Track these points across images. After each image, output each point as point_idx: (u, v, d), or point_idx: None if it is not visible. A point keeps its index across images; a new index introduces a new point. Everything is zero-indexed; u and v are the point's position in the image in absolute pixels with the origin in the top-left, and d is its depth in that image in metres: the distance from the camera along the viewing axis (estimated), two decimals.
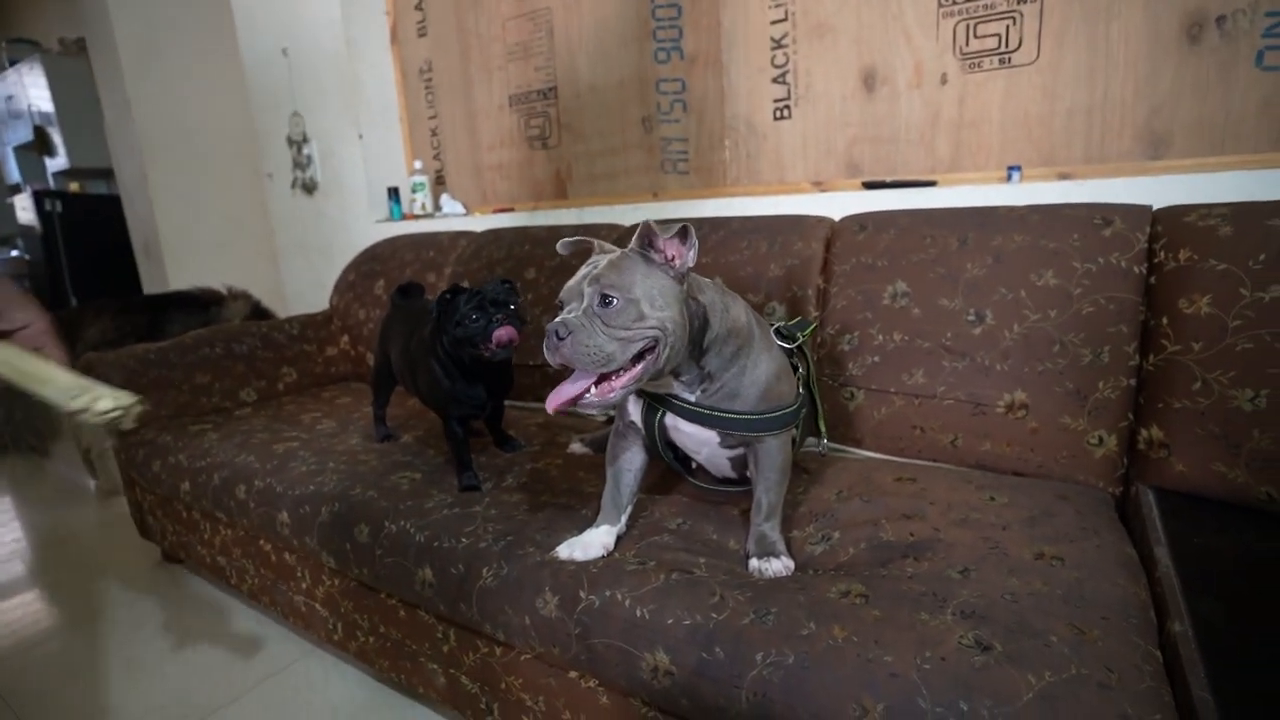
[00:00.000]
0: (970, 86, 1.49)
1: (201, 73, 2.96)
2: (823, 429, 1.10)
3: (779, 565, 0.89)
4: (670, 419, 0.96)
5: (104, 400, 0.62)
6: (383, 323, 1.47)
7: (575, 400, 0.82)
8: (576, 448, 1.36)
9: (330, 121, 2.52)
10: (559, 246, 0.93)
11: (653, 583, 0.86)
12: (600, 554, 0.95)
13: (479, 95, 2.30)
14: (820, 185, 1.69)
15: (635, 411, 0.99)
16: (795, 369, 1.00)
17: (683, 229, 0.81)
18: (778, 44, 1.69)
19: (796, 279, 1.35)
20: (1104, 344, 1.07)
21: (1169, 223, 1.07)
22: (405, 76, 2.46)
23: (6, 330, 0.65)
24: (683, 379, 0.91)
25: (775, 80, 1.71)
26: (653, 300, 0.81)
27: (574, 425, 1.53)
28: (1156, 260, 1.06)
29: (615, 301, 0.80)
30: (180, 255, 3.25)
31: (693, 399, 0.92)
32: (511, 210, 2.24)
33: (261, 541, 1.38)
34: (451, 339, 1.17)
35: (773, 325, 1.02)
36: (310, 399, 1.97)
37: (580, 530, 1.00)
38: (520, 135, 2.23)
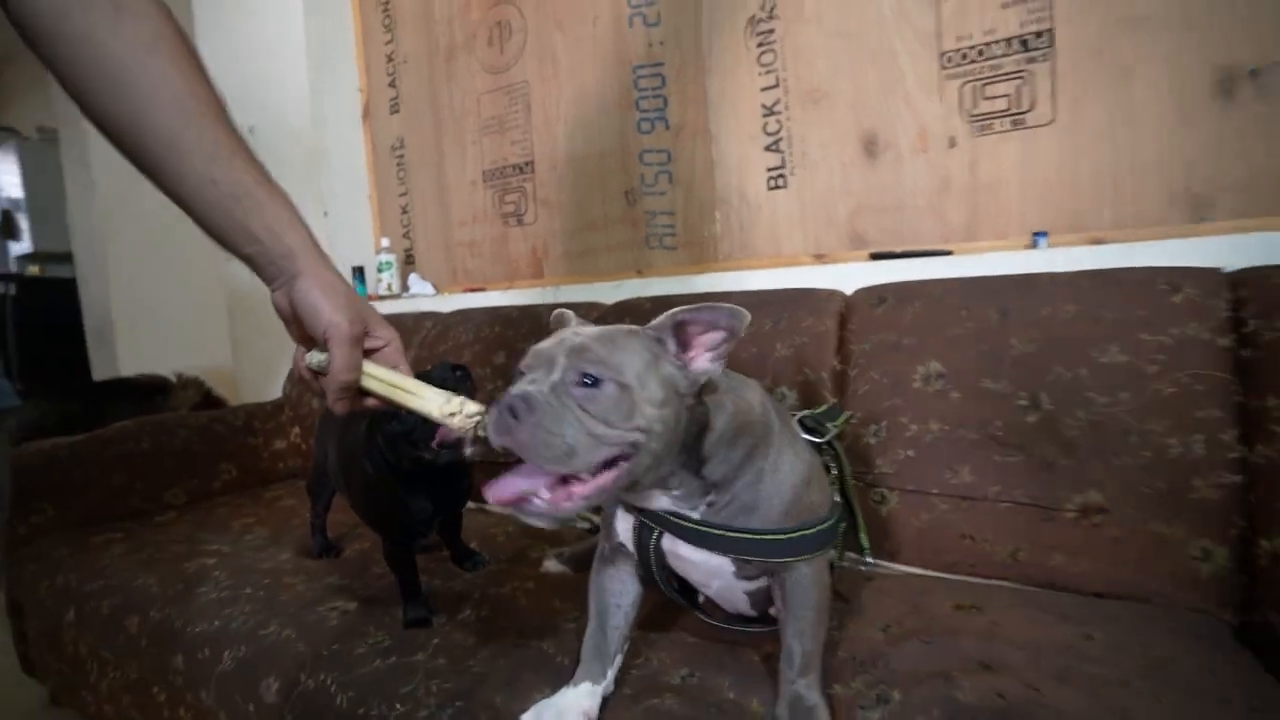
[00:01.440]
0: (983, 149, 1.37)
1: None
2: (864, 542, 0.88)
3: None
4: (669, 541, 0.74)
5: (470, 405, 0.64)
6: (323, 412, 1.24)
7: (519, 501, 0.61)
8: (551, 566, 1.11)
9: (295, 198, 2.36)
10: (554, 317, 0.74)
11: None
12: None
13: (451, 171, 2.18)
14: (821, 258, 1.55)
15: (624, 530, 0.77)
16: (827, 469, 0.79)
17: (730, 315, 0.62)
18: (769, 110, 1.59)
19: (808, 360, 1.17)
20: (1194, 432, 0.89)
21: (1256, 285, 0.91)
22: (376, 153, 2.35)
23: (374, 348, 0.67)
24: (674, 493, 0.70)
25: (768, 148, 1.60)
26: (650, 395, 0.62)
27: (549, 536, 1.29)
28: (1247, 330, 0.89)
29: (602, 385, 0.60)
30: (133, 340, 3.03)
31: (696, 515, 0.71)
32: (483, 290, 2.07)
33: (155, 690, 1.09)
34: (386, 438, 0.95)
35: (795, 414, 0.82)
36: (249, 500, 1.71)
37: (554, 689, 0.75)
38: (494, 211, 2.09)
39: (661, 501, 0.71)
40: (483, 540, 1.26)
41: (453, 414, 0.63)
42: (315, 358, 0.64)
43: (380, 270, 2.16)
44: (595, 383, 0.60)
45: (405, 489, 0.98)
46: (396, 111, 2.28)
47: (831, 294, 1.26)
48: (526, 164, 2.01)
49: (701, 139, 1.70)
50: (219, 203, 0.61)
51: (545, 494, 0.61)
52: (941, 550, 1.02)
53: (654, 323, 0.65)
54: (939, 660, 0.76)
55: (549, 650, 0.85)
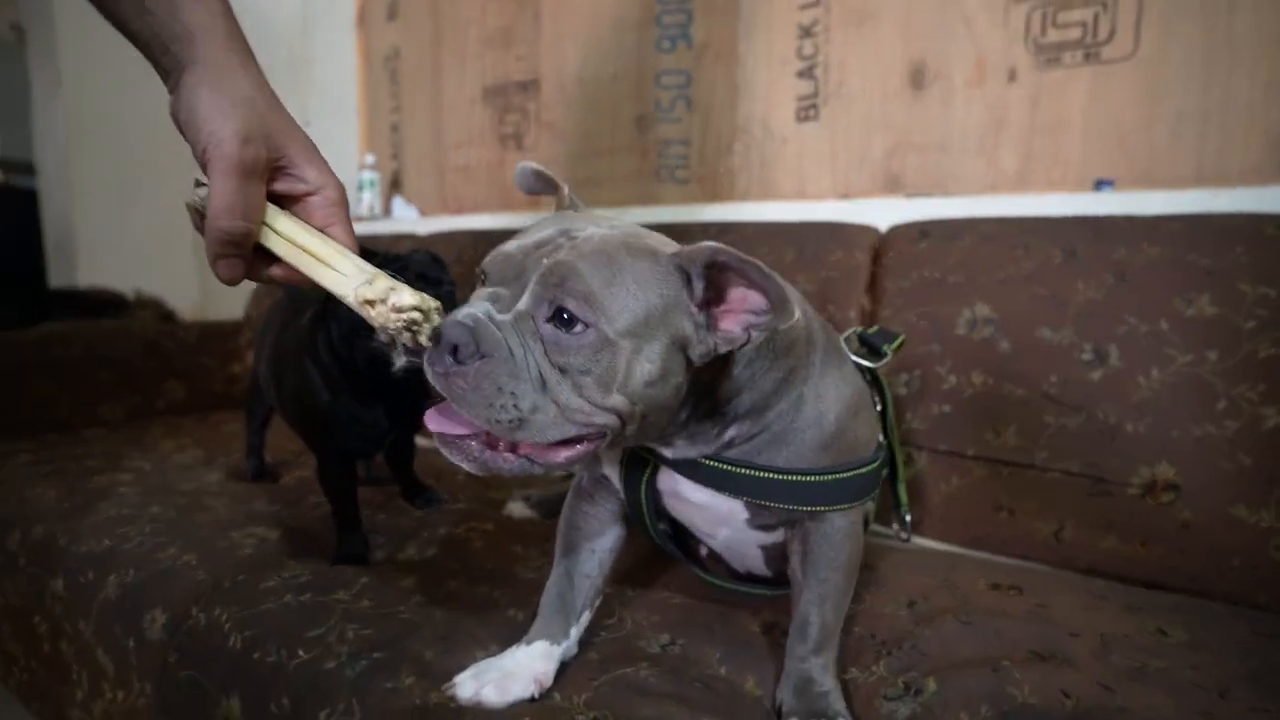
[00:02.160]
0: (1046, 85, 1.20)
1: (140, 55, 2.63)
2: (903, 498, 0.72)
3: None
4: (667, 479, 0.58)
5: (404, 294, 0.44)
6: (265, 314, 1.06)
7: (455, 442, 0.46)
8: (516, 509, 0.96)
9: None
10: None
11: None
12: (528, 695, 0.55)
13: (450, 88, 1.99)
14: (848, 197, 1.38)
15: (611, 459, 0.61)
16: (873, 403, 0.64)
17: (778, 288, 0.43)
18: (806, 31, 1.41)
19: (833, 296, 1.01)
20: None
21: None
22: (369, 64, 2.16)
23: (293, 194, 0.48)
24: (676, 444, 0.54)
25: (800, 74, 1.43)
26: (645, 361, 0.45)
27: (517, 480, 1.13)
28: None
29: (580, 331, 0.44)
30: (95, 256, 2.83)
31: (710, 449, 0.55)
32: (472, 214, 1.90)
33: (35, 619, 0.93)
34: (347, 327, 0.77)
35: (844, 333, 0.66)
36: (193, 423, 1.54)
37: (503, 647, 0.59)
38: (492, 133, 1.91)
39: (653, 445, 0.55)
40: (441, 478, 1.10)
41: (370, 301, 0.44)
42: (197, 190, 0.46)
43: (361, 189, 1.98)
44: (571, 323, 0.44)
45: (355, 394, 0.81)
46: (394, 18, 2.08)
47: (864, 228, 1.10)
48: (531, 82, 1.82)
49: (726, 61, 1.52)
50: None
51: (477, 447, 0.46)
52: (972, 522, 0.87)
53: (683, 250, 0.47)
54: (981, 645, 0.61)
55: (500, 601, 0.70)
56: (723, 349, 0.47)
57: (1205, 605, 0.73)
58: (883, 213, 1.28)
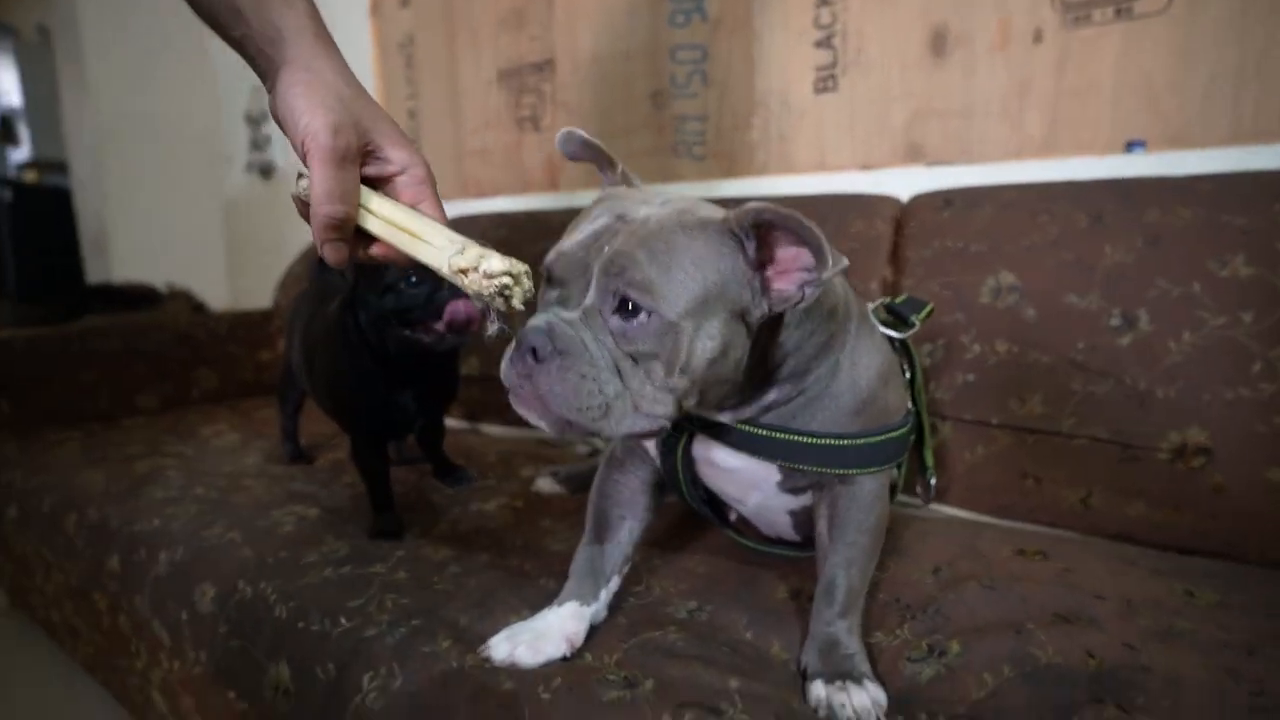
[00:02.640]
0: (1075, 46, 1.17)
1: (167, 51, 2.68)
2: (929, 462, 0.73)
3: (862, 698, 0.51)
4: (701, 446, 0.59)
5: (493, 260, 0.45)
6: (294, 304, 1.10)
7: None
8: (545, 485, 0.98)
9: None
10: (562, 137, 0.58)
11: None
12: (560, 654, 0.57)
13: (465, 72, 1.99)
14: (869, 168, 1.36)
15: None
16: (902, 371, 0.64)
17: (819, 239, 0.44)
18: (823, 1, 1.38)
19: (856, 267, 1.00)
20: None
21: None
22: (383, 51, 2.17)
23: (383, 175, 0.50)
24: (722, 413, 0.56)
25: (818, 44, 1.40)
26: (705, 339, 0.47)
27: (545, 454, 1.15)
28: None
29: (645, 317, 0.46)
30: (129, 251, 2.91)
31: (748, 414, 0.56)
32: (491, 197, 1.91)
33: (95, 595, 0.98)
34: (375, 314, 0.79)
35: (873, 303, 0.66)
36: (226, 410, 1.59)
37: (534, 611, 0.62)
38: (509, 116, 1.91)
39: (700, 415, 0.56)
40: (472, 458, 1.13)
41: (463, 270, 0.46)
42: (299, 182, 0.48)
43: None
44: (635, 312, 0.46)
45: (386, 380, 0.83)
46: (407, 4, 2.09)
47: (885, 198, 1.09)
48: (546, 62, 1.82)
49: (742, 34, 1.50)
50: None
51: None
52: (997, 491, 0.87)
53: (730, 213, 0.48)
54: (1005, 609, 0.61)
55: (531, 571, 0.72)
56: (778, 309, 0.49)
57: (1236, 568, 0.72)
58: (904, 182, 1.26)
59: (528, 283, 0.46)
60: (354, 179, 0.47)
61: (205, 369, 1.71)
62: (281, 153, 2.33)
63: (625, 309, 0.45)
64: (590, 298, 0.46)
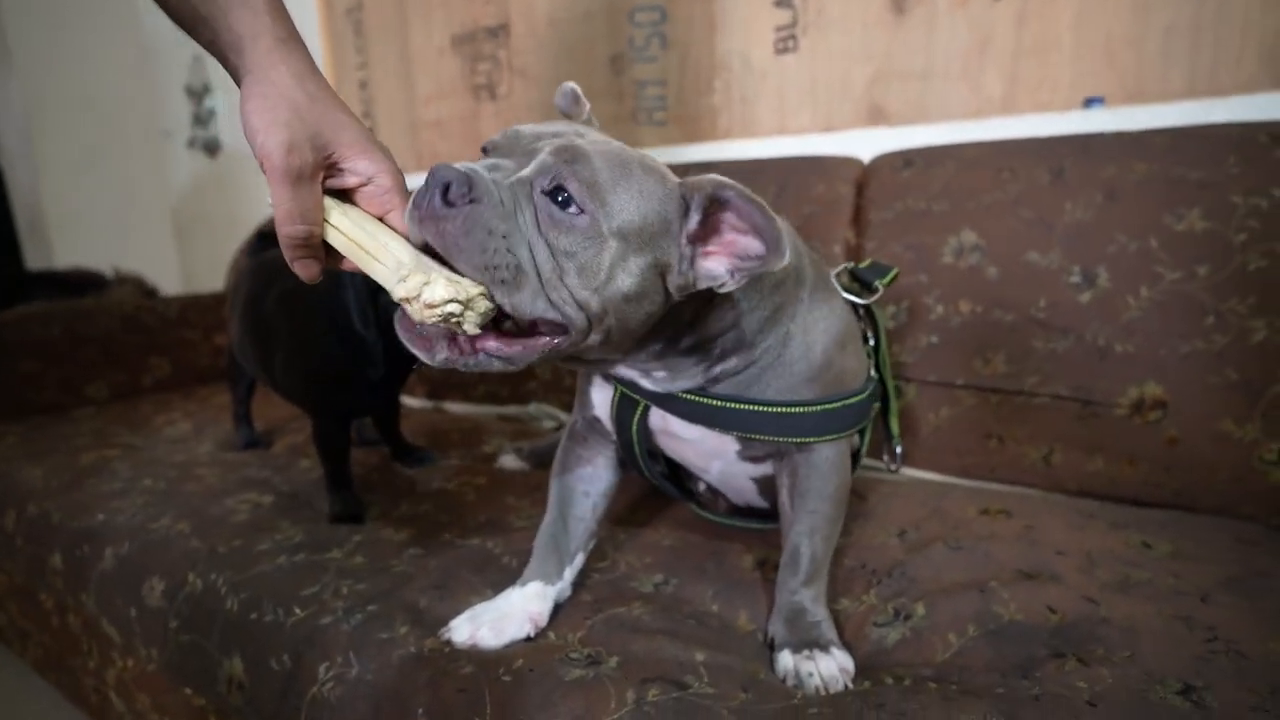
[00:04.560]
0: (1032, 4, 1.15)
1: (96, 21, 2.52)
2: (895, 430, 0.72)
3: (829, 666, 0.51)
4: (658, 418, 0.57)
5: (437, 288, 0.41)
6: (233, 284, 1.04)
7: (417, 334, 0.45)
8: (508, 461, 0.96)
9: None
10: (561, 92, 0.56)
11: (611, 710, 0.46)
12: (523, 634, 0.56)
13: (416, 37, 1.91)
14: (832, 130, 1.34)
15: (601, 401, 0.61)
16: (864, 339, 0.63)
17: (777, 238, 0.43)
18: None
19: (817, 230, 0.99)
20: None
21: None
22: (331, 18, 2.07)
23: (345, 187, 0.47)
24: (655, 374, 0.54)
25: (778, 4, 1.37)
26: (626, 273, 0.44)
27: (509, 430, 1.13)
28: None
29: (576, 212, 0.43)
30: (71, 235, 2.77)
31: (695, 384, 0.54)
32: None
33: (41, 595, 0.94)
34: (360, 304, 0.76)
35: (835, 269, 0.65)
36: (180, 397, 1.53)
37: (497, 592, 0.60)
38: (464, 84, 1.84)
39: (634, 377, 0.54)
40: (434, 438, 1.10)
41: (408, 298, 0.42)
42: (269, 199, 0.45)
43: None
44: (568, 204, 0.42)
45: (385, 354, 0.79)
46: None
47: (847, 160, 1.07)
48: (500, 27, 1.75)
49: None
50: None
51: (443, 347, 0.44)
52: (962, 451, 0.88)
53: (689, 179, 0.46)
54: (970, 568, 0.61)
55: (494, 550, 0.70)
56: (701, 285, 0.47)
57: (1191, 518, 0.74)
58: (867, 144, 1.25)
59: (484, 304, 0.42)
60: (313, 196, 0.45)
61: (157, 356, 1.64)
62: (227, 129, 2.22)
63: (559, 196, 0.43)
64: (528, 171, 0.43)
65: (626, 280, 0.44)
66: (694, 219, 0.45)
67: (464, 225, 0.41)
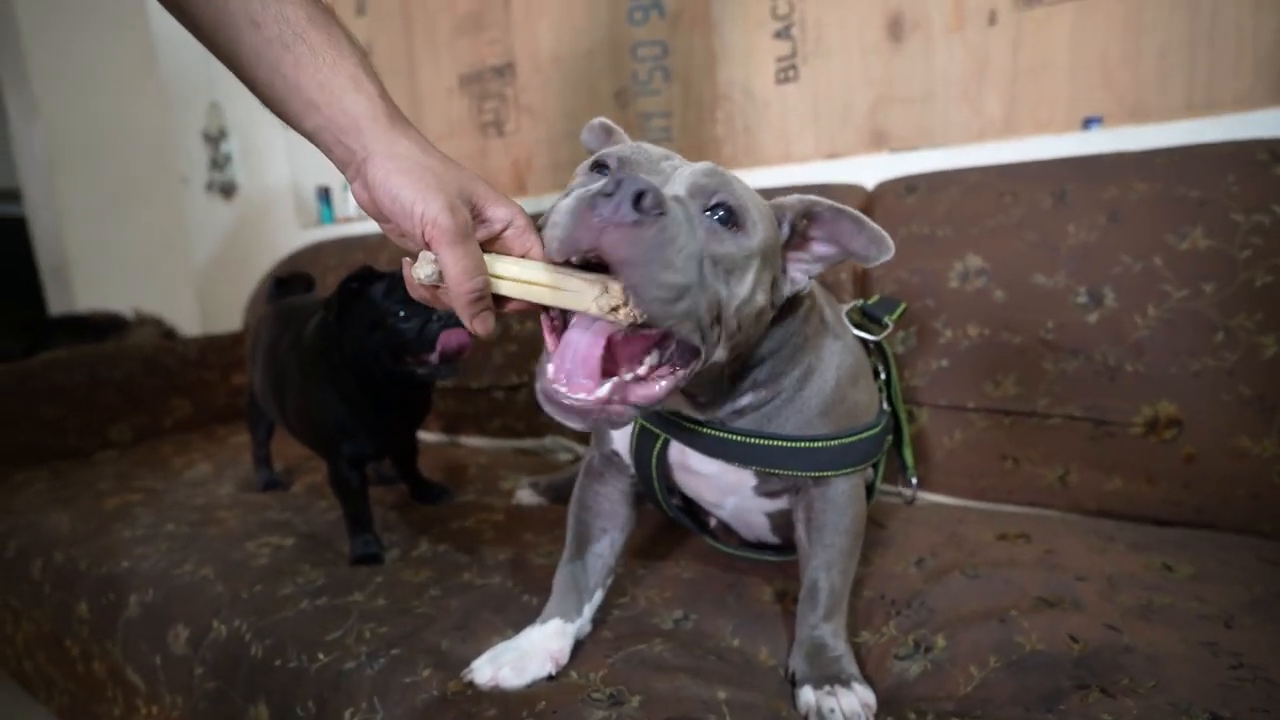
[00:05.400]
0: (1028, 26, 1.17)
1: (115, 71, 2.61)
2: (909, 461, 0.73)
3: (851, 702, 0.51)
4: (677, 451, 0.58)
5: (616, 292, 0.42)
6: (254, 330, 1.07)
7: (566, 403, 0.43)
8: (525, 496, 0.97)
9: (252, 113, 2.16)
10: (588, 131, 0.60)
11: None
12: (545, 673, 0.56)
13: (424, 78, 1.96)
14: (835, 157, 1.36)
15: (620, 436, 0.62)
16: (876, 374, 0.64)
17: (876, 241, 0.49)
18: None
19: None
20: None
21: None
22: None
23: (492, 235, 0.48)
24: (698, 399, 0.55)
25: (777, 35, 1.40)
26: (759, 288, 0.47)
27: (525, 464, 1.14)
28: None
29: (735, 230, 0.45)
30: (93, 279, 2.83)
31: (720, 414, 0.55)
32: None
33: (67, 642, 0.95)
34: (363, 349, 0.78)
35: (845, 305, 0.66)
36: (201, 438, 1.56)
37: (518, 631, 0.60)
38: (473, 122, 1.89)
39: (681, 405, 0.56)
40: (450, 473, 1.11)
41: (615, 308, 0.42)
42: (423, 269, 0.46)
43: (347, 189, 1.96)
44: (726, 223, 0.44)
45: (371, 404, 0.82)
46: (363, 13, 2.05)
47: (851, 187, 1.08)
48: (506, 66, 1.79)
49: (701, 28, 1.49)
50: (265, 54, 0.45)
51: (630, 378, 0.44)
52: (976, 474, 0.87)
53: (780, 200, 0.50)
54: (989, 597, 0.61)
55: (514, 588, 0.71)
56: (788, 293, 0.51)
57: (1211, 537, 0.73)
58: (870, 170, 1.26)
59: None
60: (478, 249, 0.46)
61: (178, 397, 1.67)
62: (243, 171, 2.28)
63: (720, 216, 0.44)
64: (682, 190, 0.44)
65: (761, 297, 0.47)
66: (785, 233, 0.50)
67: (657, 238, 0.40)
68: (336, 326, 0.80)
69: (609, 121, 0.59)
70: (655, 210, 0.40)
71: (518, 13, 1.75)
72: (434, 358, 0.75)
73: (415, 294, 0.49)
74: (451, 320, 0.74)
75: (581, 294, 0.44)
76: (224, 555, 0.82)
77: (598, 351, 0.43)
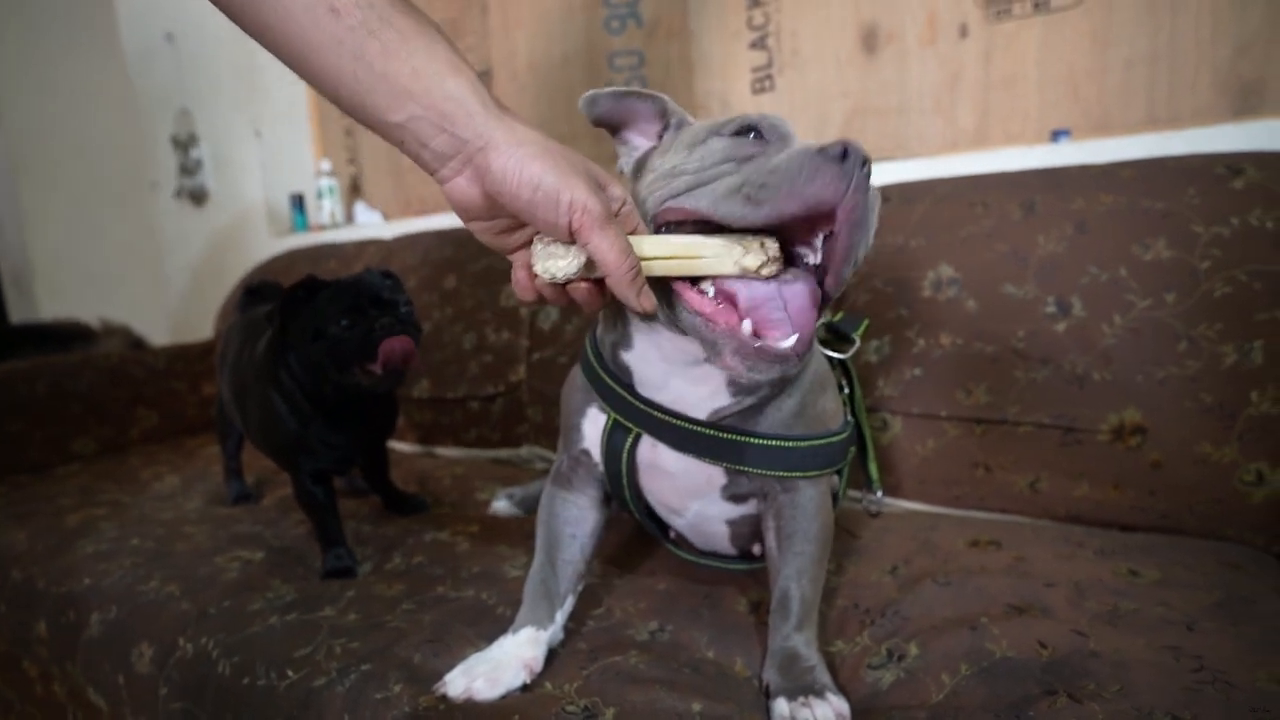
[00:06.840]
0: (998, 40, 1.20)
1: (80, 69, 2.55)
2: (874, 474, 0.73)
3: (825, 712, 0.51)
4: (648, 449, 0.58)
5: (772, 244, 0.46)
6: (223, 338, 1.05)
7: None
8: (501, 507, 0.96)
9: (223, 118, 2.13)
10: (587, 100, 0.59)
11: None
12: (519, 683, 0.56)
13: None
14: None
15: (592, 434, 0.62)
16: (840, 388, 0.65)
17: None
18: (755, 1, 1.39)
19: None
20: (1253, 337, 0.75)
21: None
22: None
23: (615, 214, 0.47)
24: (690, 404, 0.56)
25: (753, 45, 1.41)
26: None
27: (501, 474, 1.13)
28: None
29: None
30: (58, 287, 2.76)
31: (704, 415, 0.56)
32: (434, 214, 1.87)
33: (25, 664, 0.92)
34: (307, 360, 0.77)
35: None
36: (168, 450, 1.52)
37: (491, 642, 0.60)
38: None
39: (710, 390, 0.56)
40: (425, 484, 1.10)
41: (762, 263, 0.45)
42: (560, 262, 0.44)
43: (320, 197, 1.94)
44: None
45: (324, 418, 0.81)
46: None
47: None
48: (484, 73, 1.79)
49: (678, 38, 1.50)
50: (347, 42, 0.40)
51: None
52: (950, 481, 0.88)
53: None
54: (961, 604, 0.62)
55: (488, 600, 0.70)
56: None
57: (1176, 541, 0.75)
58: None
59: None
60: (622, 227, 0.46)
61: (144, 408, 1.63)
62: (215, 178, 2.25)
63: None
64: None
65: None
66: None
67: (873, 203, 0.44)
68: (281, 338, 0.79)
69: (619, 88, 0.58)
70: (865, 184, 0.43)
71: (495, 21, 1.74)
72: (376, 367, 0.73)
73: (528, 297, 0.48)
74: (396, 328, 0.73)
75: (721, 257, 0.45)
76: (191, 570, 0.80)
77: (816, 299, 0.46)
